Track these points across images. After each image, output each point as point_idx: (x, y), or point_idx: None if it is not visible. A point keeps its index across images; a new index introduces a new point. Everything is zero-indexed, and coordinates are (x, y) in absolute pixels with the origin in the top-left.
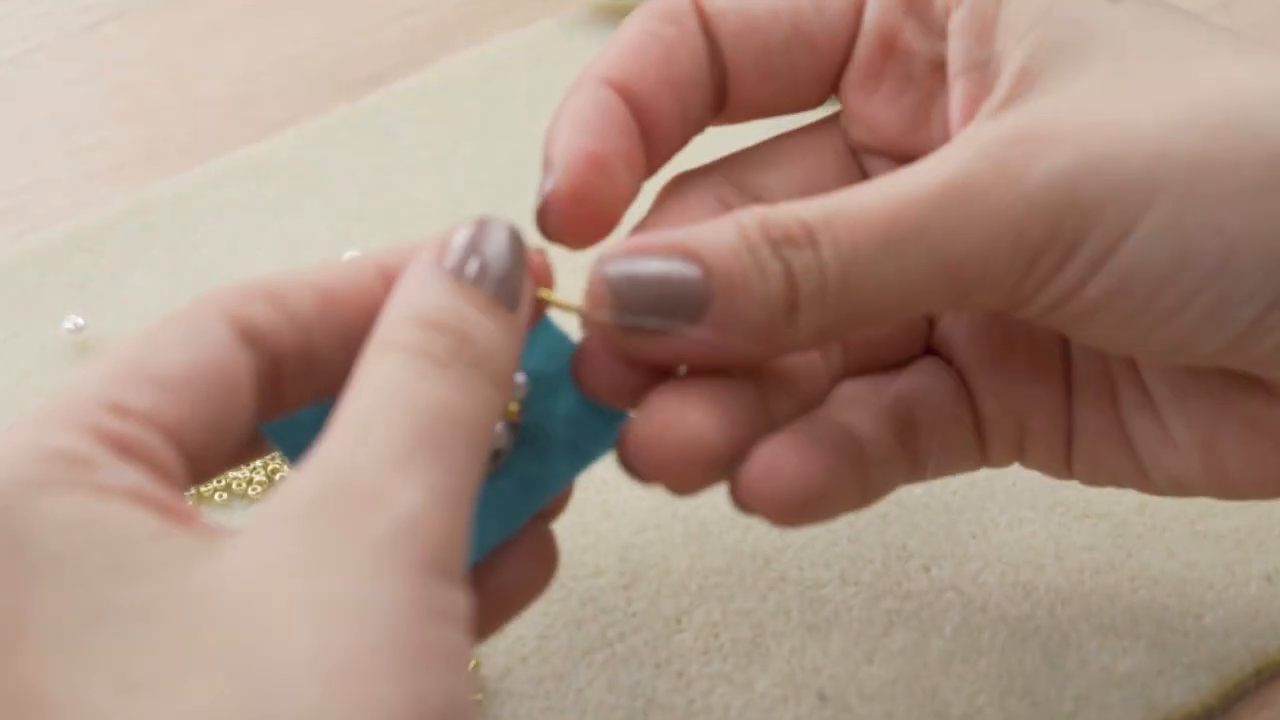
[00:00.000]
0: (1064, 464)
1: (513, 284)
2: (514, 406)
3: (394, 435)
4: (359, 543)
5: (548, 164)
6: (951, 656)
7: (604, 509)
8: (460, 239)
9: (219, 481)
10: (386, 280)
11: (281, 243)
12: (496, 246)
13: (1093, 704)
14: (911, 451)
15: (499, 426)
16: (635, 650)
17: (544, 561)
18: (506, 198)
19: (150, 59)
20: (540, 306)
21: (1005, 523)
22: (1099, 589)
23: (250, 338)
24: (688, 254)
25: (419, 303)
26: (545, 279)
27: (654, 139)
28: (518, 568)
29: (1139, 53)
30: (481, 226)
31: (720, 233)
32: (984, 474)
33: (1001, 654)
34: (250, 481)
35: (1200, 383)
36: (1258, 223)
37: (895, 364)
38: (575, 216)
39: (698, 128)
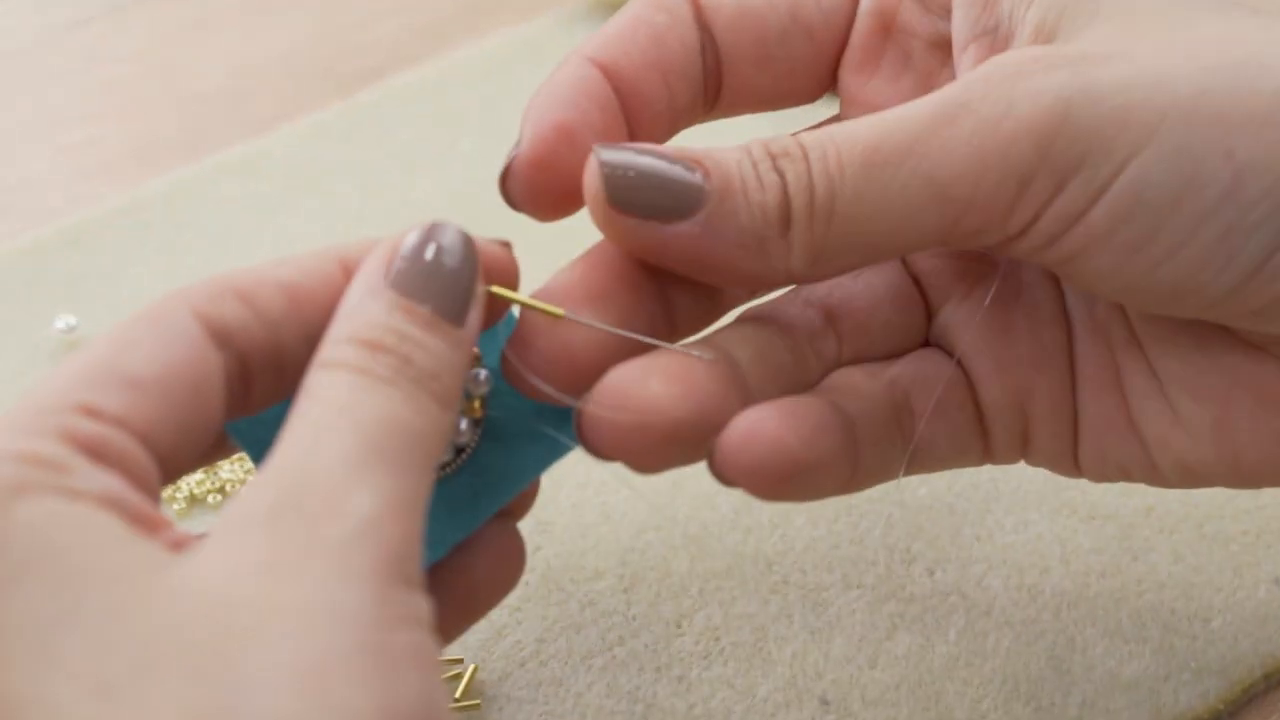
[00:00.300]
0: (1070, 457)
1: (459, 296)
2: (477, 403)
3: (345, 444)
4: (321, 548)
5: (520, 134)
6: (956, 661)
7: (603, 511)
8: (408, 246)
9: (213, 483)
10: (350, 275)
11: (278, 241)
12: (445, 254)
13: (1099, 708)
14: (908, 435)
15: (462, 423)
16: (635, 654)
17: (510, 559)
18: None
19: (143, 56)
20: (503, 303)
21: (1010, 525)
22: (1105, 592)
23: (220, 336)
24: (691, 161)
25: (361, 321)
26: (509, 272)
27: (640, 121)
28: (483, 566)
29: (1147, 11)
30: (431, 232)
31: (724, 150)
32: (988, 476)
33: (1006, 658)
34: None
35: (1210, 355)
36: (1267, 150)
37: (892, 355)
38: (537, 183)
39: (689, 116)
